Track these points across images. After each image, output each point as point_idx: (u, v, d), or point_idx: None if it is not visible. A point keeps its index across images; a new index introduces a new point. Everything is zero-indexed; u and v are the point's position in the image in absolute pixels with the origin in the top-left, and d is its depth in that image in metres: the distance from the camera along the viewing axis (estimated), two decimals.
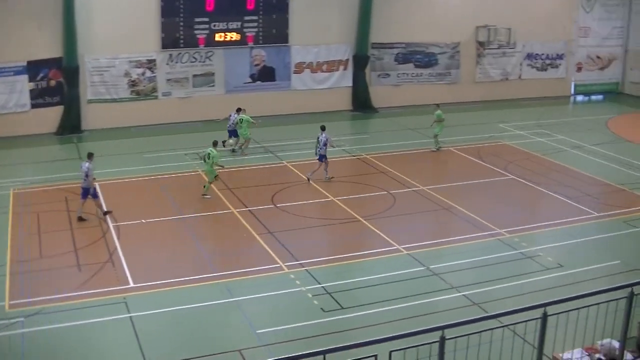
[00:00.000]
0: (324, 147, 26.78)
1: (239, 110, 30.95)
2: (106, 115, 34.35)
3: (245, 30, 36.00)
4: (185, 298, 17.53)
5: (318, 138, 27.04)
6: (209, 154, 25.10)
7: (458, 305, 17.30)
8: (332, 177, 26.96)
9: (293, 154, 30.28)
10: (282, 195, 25.18)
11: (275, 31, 36.68)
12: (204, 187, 25.18)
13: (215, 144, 25.80)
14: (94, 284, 18.29)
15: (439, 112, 31.65)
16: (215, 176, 25.23)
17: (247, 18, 35.89)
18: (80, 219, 22.70)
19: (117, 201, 24.16)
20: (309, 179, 26.74)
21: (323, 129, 27.31)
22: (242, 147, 30.80)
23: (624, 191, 26.60)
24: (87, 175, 22.47)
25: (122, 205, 23.87)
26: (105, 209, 23.08)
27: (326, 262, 19.90)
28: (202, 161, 25.63)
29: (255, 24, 36.08)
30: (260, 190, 25.73)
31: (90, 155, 22.98)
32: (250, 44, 36.30)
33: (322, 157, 26.87)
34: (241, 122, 30.49)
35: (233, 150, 30.66)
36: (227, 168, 26.67)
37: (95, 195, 23.00)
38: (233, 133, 30.81)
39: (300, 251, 20.39)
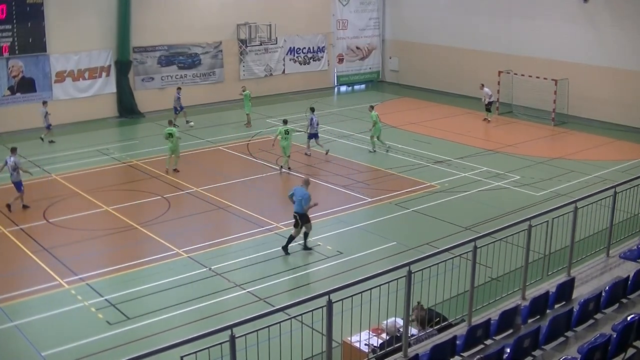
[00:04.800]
0: (317, 127, 30.94)
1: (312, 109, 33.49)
2: None
3: None
4: None
5: (312, 119, 30.82)
6: (287, 130, 28.66)
7: (245, 303, 17.65)
8: (310, 154, 31.20)
9: (62, 166, 29.35)
10: (54, 210, 24.41)
11: (32, 40, 35.09)
12: (285, 162, 28.81)
13: (285, 122, 29.63)
14: None
15: (373, 113, 31.75)
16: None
17: (0, 27, 34.22)
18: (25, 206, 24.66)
19: None
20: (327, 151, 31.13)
21: (313, 110, 31.97)
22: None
23: (392, 175, 28.24)
24: (14, 170, 24.42)
25: None
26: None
27: (107, 273, 19.60)
28: (282, 138, 28.62)
29: (10, 33, 34.35)
30: (30, 207, 24.69)
31: (13, 150, 24.89)
32: (6, 54, 34.52)
33: (314, 135, 30.85)
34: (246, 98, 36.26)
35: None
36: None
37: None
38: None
39: (79, 265, 19.93)
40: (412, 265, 10.92)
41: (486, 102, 37.67)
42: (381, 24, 49.78)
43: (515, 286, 13.54)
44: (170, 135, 28.55)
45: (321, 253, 20.84)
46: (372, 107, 32.53)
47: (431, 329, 12.38)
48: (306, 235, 20.89)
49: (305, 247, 20.86)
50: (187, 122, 36.16)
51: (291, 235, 20.72)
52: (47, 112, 32.97)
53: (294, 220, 20.70)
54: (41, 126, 33.49)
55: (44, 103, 33.62)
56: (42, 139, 32.99)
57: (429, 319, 12.84)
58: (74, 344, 15.84)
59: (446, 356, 10.60)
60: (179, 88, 37.31)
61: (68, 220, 23.52)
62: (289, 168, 28.82)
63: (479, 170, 28.62)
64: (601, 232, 15.91)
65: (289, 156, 28.84)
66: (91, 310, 17.45)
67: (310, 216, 20.80)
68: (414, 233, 22.32)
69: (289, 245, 20.61)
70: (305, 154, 31.07)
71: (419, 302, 13.12)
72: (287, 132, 28.73)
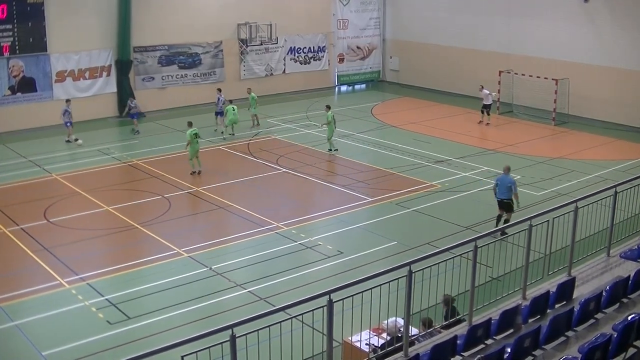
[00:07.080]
0: (222, 106, 34.45)
1: (219, 90, 36.03)
2: None
3: None
4: None
5: (219, 99, 34.87)
6: (333, 115, 31.40)
7: (245, 302, 17.67)
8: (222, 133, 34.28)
9: (62, 166, 29.38)
10: (54, 210, 24.40)
11: (33, 39, 35.06)
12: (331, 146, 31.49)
13: (329, 107, 32.10)
14: None
15: (329, 113, 31.34)
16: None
17: (0, 27, 34.14)
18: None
19: None
20: (222, 133, 34.31)
21: (220, 90, 35.56)
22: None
23: (393, 175, 28.22)
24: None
25: None
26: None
27: (107, 273, 19.59)
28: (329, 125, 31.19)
29: (10, 33, 34.31)
30: (31, 206, 24.72)
31: None
32: (7, 54, 34.48)
33: (220, 114, 34.67)
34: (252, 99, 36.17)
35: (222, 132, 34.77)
36: None
37: None
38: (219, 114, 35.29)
39: (79, 265, 19.94)
40: (412, 264, 10.88)
41: (483, 104, 37.22)
42: (381, 24, 49.75)
43: (516, 286, 13.52)
44: (197, 135, 28.39)
45: (321, 253, 20.83)
46: (328, 107, 32.24)
47: (432, 329, 12.40)
48: (507, 221, 21.15)
49: (503, 232, 20.62)
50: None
51: (499, 215, 21.86)
52: (66, 110, 32.96)
53: (499, 206, 21.84)
54: (41, 126, 33.44)
55: (67, 101, 33.88)
56: (69, 141, 33.10)
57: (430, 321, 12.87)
58: (74, 343, 15.84)
59: (447, 356, 10.59)
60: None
61: (68, 220, 23.53)
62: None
63: (479, 170, 28.60)
64: (602, 231, 15.88)
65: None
66: (92, 310, 17.45)
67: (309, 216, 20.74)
68: (415, 233, 22.31)
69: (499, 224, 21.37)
70: (221, 132, 34.36)
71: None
72: (331, 116, 31.12)
